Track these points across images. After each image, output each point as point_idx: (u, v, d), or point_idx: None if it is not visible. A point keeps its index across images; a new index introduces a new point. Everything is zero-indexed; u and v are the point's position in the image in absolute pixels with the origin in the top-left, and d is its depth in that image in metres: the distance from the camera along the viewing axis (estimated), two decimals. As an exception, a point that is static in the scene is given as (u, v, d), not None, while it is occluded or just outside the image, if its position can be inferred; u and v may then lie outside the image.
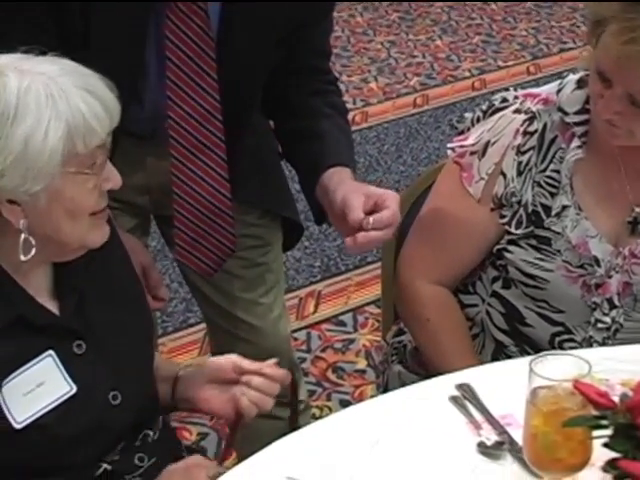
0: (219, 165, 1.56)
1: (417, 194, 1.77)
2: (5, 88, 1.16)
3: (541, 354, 1.18)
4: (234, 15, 1.47)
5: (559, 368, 1.15)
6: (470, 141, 1.57)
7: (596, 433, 1.05)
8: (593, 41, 1.44)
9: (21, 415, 1.21)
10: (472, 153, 1.56)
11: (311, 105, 1.63)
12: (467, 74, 4.54)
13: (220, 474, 1.26)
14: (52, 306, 1.28)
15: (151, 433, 1.35)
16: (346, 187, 1.48)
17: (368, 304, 2.90)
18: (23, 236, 1.20)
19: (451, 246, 1.60)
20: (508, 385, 1.35)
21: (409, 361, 1.73)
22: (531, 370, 1.15)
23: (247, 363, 1.37)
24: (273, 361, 1.37)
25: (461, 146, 1.57)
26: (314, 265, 3.05)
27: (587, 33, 1.47)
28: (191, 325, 2.82)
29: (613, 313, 1.55)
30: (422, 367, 1.68)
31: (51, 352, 1.25)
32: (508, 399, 1.33)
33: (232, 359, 1.39)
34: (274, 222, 1.77)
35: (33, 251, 1.21)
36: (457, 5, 5.36)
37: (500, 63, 4.64)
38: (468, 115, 1.62)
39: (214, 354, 1.94)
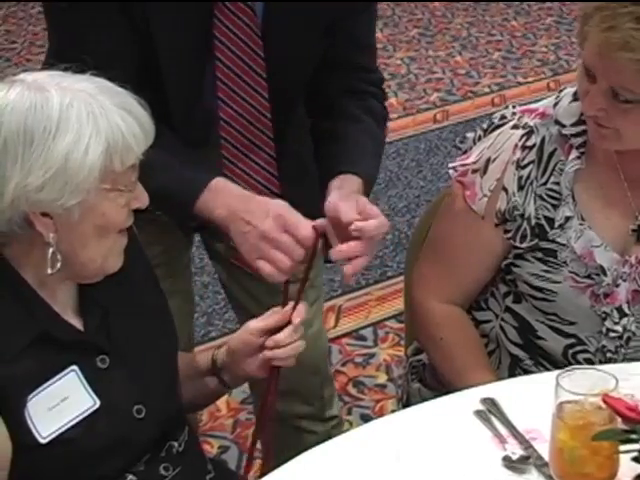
0: (268, 163, 1.57)
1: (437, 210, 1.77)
2: (47, 103, 1.18)
3: (568, 368, 1.18)
4: (278, 11, 1.46)
5: (585, 382, 1.15)
6: (471, 159, 1.58)
7: (624, 447, 1.05)
8: (580, 39, 1.45)
9: (46, 430, 1.22)
10: (474, 171, 1.58)
11: (342, 106, 1.61)
12: (487, 90, 4.55)
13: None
14: (76, 322, 1.29)
15: (176, 444, 1.36)
16: (336, 194, 1.45)
17: (388, 319, 2.90)
18: (51, 250, 1.21)
19: (460, 265, 1.61)
20: (533, 399, 1.35)
21: (428, 379, 1.73)
22: (558, 384, 1.15)
23: (265, 320, 1.40)
24: (290, 305, 1.39)
25: (462, 165, 1.59)
26: (335, 280, 3.05)
27: (577, 33, 1.48)
28: (212, 339, 2.83)
29: (624, 321, 1.55)
30: (441, 385, 1.68)
31: (74, 367, 1.25)
32: (533, 413, 1.32)
33: (250, 325, 1.41)
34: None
35: (59, 264, 1.22)
36: (477, 21, 5.38)
37: (520, 79, 4.65)
38: (470, 135, 1.64)
39: None
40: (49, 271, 1.22)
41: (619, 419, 1.10)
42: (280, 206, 1.40)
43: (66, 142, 1.17)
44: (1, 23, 5.53)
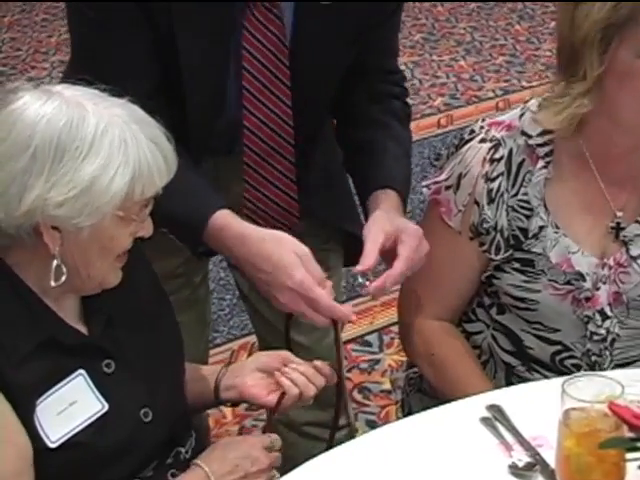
0: (288, 169, 1.58)
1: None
2: (83, 123, 1.19)
3: (574, 375, 1.18)
4: (309, 20, 1.47)
5: (591, 389, 1.15)
6: (443, 176, 1.59)
7: (630, 455, 1.05)
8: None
9: (55, 434, 1.23)
10: (447, 188, 1.59)
11: (369, 113, 1.62)
12: (491, 94, 4.55)
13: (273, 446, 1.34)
14: (81, 328, 1.30)
15: (183, 450, 1.36)
16: (370, 222, 1.49)
17: (394, 324, 2.89)
18: (56, 262, 1.22)
19: (443, 281, 1.62)
20: (538, 406, 1.35)
21: (427, 389, 1.73)
22: (564, 391, 1.15)
23: (295, 358, 1.41)
24: (324, 363, 1.41)
25: (435, 182, 1.60)
26: (340, 287, 3.04)
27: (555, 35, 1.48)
28: (218, 345, 2.83)
29: (607, 324, 1.56)
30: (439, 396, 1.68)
31: (82, 371, 1.26)
32: (539, 420, 1.32)
33: (282, 354, 1.43)
34: (337, 246, 1.77)
35: (63, 278, 1.23)
36: (481, 26, 5.38)
37: (524, 83, 4.65)
38: (444, 152, 1.66)
39: None
40: (53, 284, 1.22)
41: (625, 426, 1.10)
42: (294, 268, 1.38)
43: (95, 165, 1.18)
44: (6, 31, 5.55)
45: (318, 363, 1.41)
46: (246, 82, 1.50)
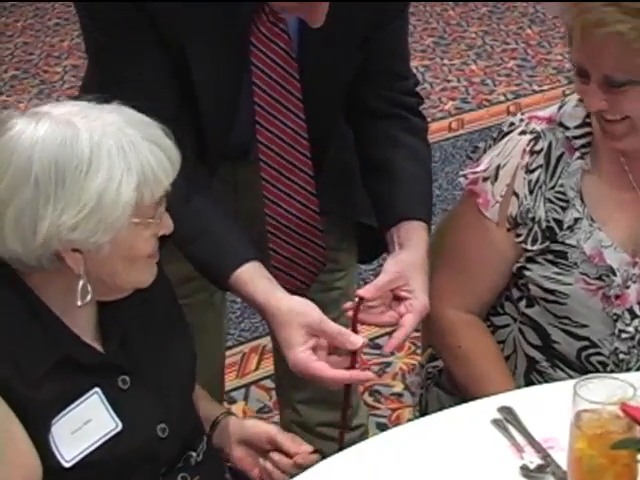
0: (307, 182, 1.57)
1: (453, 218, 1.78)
2: (77, 140, 1.16)
3: (585, 377, 1.18)
4: (313, 31, 1.45)
5: (603, 391, 1.15)
6: (482, 167, 1.60)
7: (642, 456, 1.05)
8: (569, 43, 1.48)
9: (70, 454, 1.22)
10: (485, 179, 1.59)
11: (386, 130, 1.60)
12: (502, 98, 4.55)
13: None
14: (96, 344, 1.28)
15: (194, 454, 1.36)
16: (394, 260, 1.49)
17: (404, 327, 2.89)
18: (82, 282, 1.21)
19: (476, 273, 1.62)
20: (550, 408, 1.35)
21: (446, 384, 1.73)
22: (575, 393, 1.14)
23: (282, 439, 1.38)
24: (309, 449, 1.37)
25: (473, 172, 1.61)
26: (353, 287, 3.04)
27: (566, 39, 1.50)
28: (228, 348, 2.82)
29: (635, 322, 1.56)
30: (458, 390, 1.68)
31: (97, 390, 1.25)
32: (550, 422, 1.32)
33: (270, 432, 1.39)
34: (352, 246, 1.77)
35: (89, 297, 1.22)
36: (492, 30, 5.38)
37: (535, 87, 4.65)
38: (481, 145, 1.66)
39: (277, 375, 1.96)
40: (79, 303, 1.21)
41: (638, 428, 1.10)
42: (290, 347, 1.39)
43: (99, 180, 1.16)
44: (19, 35, 5.57)
45: (299, 460, 1.36)
46: (257, 98, 1.50)
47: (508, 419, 1.37)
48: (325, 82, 1.53)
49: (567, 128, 1.56)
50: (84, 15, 1.47)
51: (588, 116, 1.55)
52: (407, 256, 1.49)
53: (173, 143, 1.23)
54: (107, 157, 1.16)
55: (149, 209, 1.22)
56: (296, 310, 1.39)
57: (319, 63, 1.50)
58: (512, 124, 1.60)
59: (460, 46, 5.17)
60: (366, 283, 1.49)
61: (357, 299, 1.43)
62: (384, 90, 1.62)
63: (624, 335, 1.56)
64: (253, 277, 1.42)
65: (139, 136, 1.20)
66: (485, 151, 1.62)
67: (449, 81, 4.75)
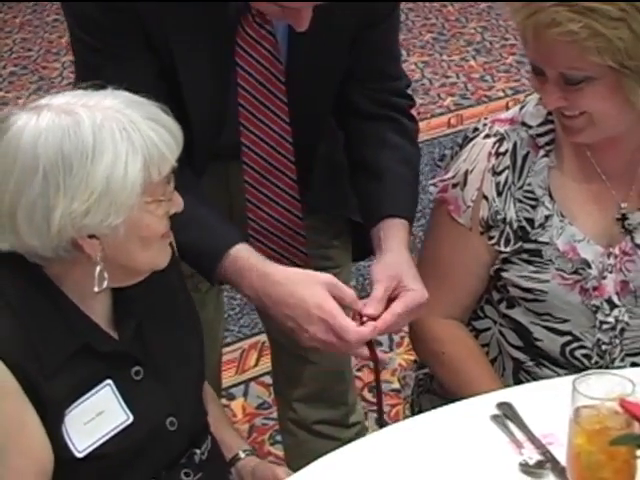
0: (290, 186, 1.57)
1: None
2: (79, 127, 1.17)
3: (585, 373, 1.18)
4: (301, 34, 1.45)
5: (602, 387, 1.15)
6: (450, 174, 1.61)
7: (641, 452, 1.05)
8: (523, 43, 1.48)
9: (82, 444, 1.22)
10: (454, 185, 1.60)
11: (376, 131, 1.60)
12: (501, 94, 4.55)
13: None
14: (112, 333, 1.29)
15: (198, 452, 1.36)
16: (380, 265, 1.48)
17: (404, 323, 2.90)
18: (99, 268, 1.22)
19: (455, 280, 1.63)
20: (549, 404, 1.35)
21: (437, 390, 1.74)
22: (575, 389, 1.14)
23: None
24: None
25: (442, 180, 1.61)
26: (349, 284, 3.05)
27: (522, 41, 1.50)
28: (228, 344, 2.83)
29: (615, 312, 1.57)
30: (450, 395, 1.68)
31: (109, 381, 1.26)
32: (549, 418, 1.32)
33: (278, 475, 1.39)
34: (345, 243, 1.77)
35: (105, 283, 1.22)
36: (491, 25, 5.38)
37: (534, 83, 4.64)
38: (448, 152, 1.67)
39: (275, 372, 1.96)
40: (96, 289, 1.22)
41: (637, 424, 1.10)
42: (318, 299, 1.38)
43: (105, 164, 1.17)
44: (17, 31, 5.57)
45: None
46: (241, 99, 1.49)
47: (507, 415, 1.37)
48: (314, 83, 1.52)
49: (530, 127, 1.57)
50: (69, 14, 1.47)
51: (550, 113, 1.56)
52: (391, 257, 1.49)
53: (172, 119, 1.24)
54: (111, 140, 1.18)
55: (158, 187, 1.23)
56: (308, 272, 1.41)
57: (308, 64, 1.50)
58: (476, 129, 1.62)
59: (459, 42, 5.17)
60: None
61: (365, 318, 1.42)
62: (374, 91, 1.62)
63: (605, 326, 1.57)
64: (252, 252, 1.42)
65: (139, 116, 1.21)
66: (452, 158, 1.63)
67: (448, 77, 4.75)
